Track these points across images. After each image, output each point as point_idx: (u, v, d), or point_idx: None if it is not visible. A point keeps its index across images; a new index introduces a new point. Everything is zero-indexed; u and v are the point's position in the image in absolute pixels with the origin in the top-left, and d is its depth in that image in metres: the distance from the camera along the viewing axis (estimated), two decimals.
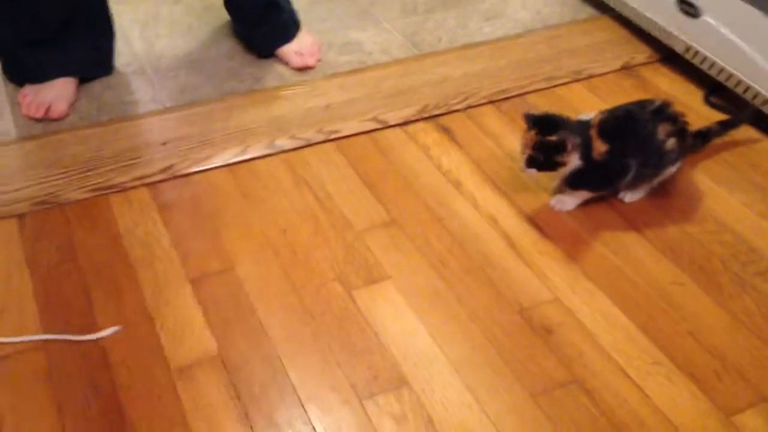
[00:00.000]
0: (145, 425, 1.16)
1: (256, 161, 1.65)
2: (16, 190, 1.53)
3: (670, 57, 1.97)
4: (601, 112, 1.49)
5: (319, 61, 1.94)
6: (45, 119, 1.71)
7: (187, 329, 1.30)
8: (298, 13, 1.97)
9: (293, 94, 1.83)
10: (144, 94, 1.82)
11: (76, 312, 1.32)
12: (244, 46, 1.98)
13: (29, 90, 1.74)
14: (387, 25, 2.12)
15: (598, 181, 1.51)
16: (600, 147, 1.43)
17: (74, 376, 1.22)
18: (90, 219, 1.50)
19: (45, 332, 1.27)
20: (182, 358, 1.26)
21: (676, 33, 1.89)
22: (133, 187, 1.57)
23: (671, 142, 1.48)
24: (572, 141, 1.41)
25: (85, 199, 1.54)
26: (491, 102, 1.82)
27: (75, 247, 1.44)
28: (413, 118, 1.77)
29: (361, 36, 2.07)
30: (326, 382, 1.23)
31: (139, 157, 1.63)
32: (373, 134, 1.73)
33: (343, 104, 1.81)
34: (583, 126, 1.46)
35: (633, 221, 1.52)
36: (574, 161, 1.43)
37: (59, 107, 1.71)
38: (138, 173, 1.59)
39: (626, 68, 1.96)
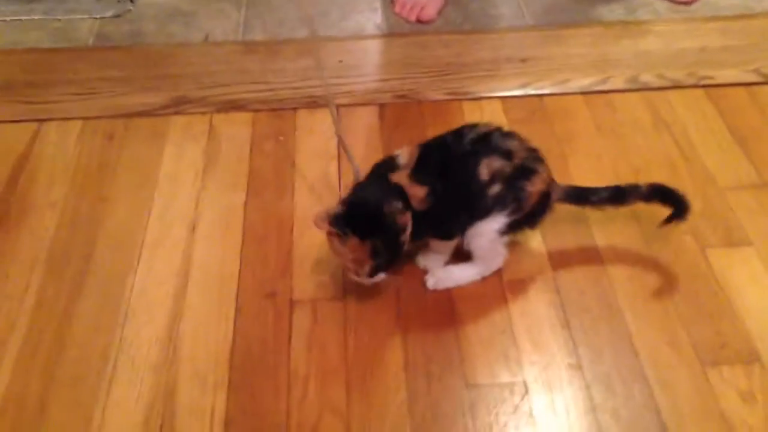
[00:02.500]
0: (471, 324, 1.16)
1: (615, 94, 1.55)
2: (381, 80, 1.60)
3: None
4: (416, 147, 1.15)
5: None
6: (415, 21, 1.75)
7: (523, 247, 1.27)
8: None
9: (666, 31, 1.69)
10: (509, 9, 1.80)
11: None
12: None
13: None
14: None
15: (442, 226, 1.16)
16: (417, 193, 1.11)
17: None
18: (442, 119, 1.52)
19: None
20: (515, 273, 1.23)
21: None
22: (487, 98, 1.56)
23: (496, 188, 1.12)
24: (403, 217, 1.09)
25: (441, 100, 1.56)
26: None
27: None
28: None
29: None
30: (665, 336, 1.13)
31: (497, 70, 1.62)
32: (753, 88, 1.54)
33: (721, 50, 1.63)
34: (389, 174, 1.13)
35: None
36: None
37: (430, 11, 1.75)
38: (494, 85, 1.58)
39: None
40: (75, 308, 1.21)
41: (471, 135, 1.16)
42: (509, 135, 1.17)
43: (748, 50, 1.61)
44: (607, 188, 1.21)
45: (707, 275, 1.20)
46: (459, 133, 1.17)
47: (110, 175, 1.43)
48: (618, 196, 1.21)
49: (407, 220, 1.10)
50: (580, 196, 1.22)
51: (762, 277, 1.19)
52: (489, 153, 1.13)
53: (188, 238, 1.31)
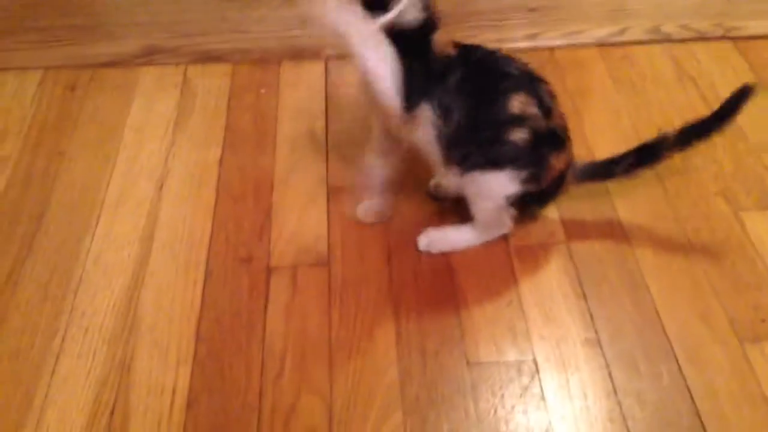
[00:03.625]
0: (473, 294, 1.02)
1: (634, 46, 1.40)
2: None
3: None
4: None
5: None
6: None
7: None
8: None
9: None
10: None
11: None
12: None
13: None
14: None
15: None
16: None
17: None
18: None
19: None
20: (523, 238, 1.09)
21: None
22: None
23: (520, 134, 0.96)
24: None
25: None
26: None
27: None
28: None
29: None
30: (696, 309, 0.99)
31: (503, 20, 1.46)
32: None
33: (748, 0, 1.48)
34: None
35: None
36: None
37: None
38: (499, 35, 1.43)
39: None
40: (21, 273, 1.06)
41: (520, 65, 1.00)
42: (552, 94, 1.00)
43: None
44: (629, 152, 1.03)
45: (743, 241, 1.06)
46: (510, 57, 1.01)
47: (70, 128, 1.28)
48: (646, 155, 1.03)
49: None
50: (602, 170, 1.06)
51: None
52: (531, 93, 0.97)
53: (154, 197, 1.16)
